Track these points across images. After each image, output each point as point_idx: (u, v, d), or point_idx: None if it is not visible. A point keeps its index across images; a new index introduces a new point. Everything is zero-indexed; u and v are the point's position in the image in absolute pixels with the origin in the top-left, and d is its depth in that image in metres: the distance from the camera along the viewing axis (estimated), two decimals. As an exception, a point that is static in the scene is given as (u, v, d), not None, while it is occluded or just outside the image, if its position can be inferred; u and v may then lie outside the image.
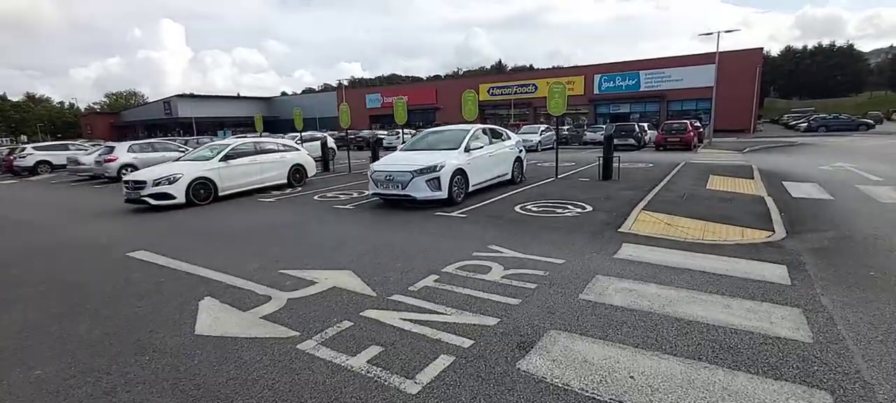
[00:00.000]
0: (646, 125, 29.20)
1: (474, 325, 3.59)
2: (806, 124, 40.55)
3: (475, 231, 6.74)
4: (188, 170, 10.72)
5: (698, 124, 29.74)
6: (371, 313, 3.88)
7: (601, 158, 11.86)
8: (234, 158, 11.69)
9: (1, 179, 21.55)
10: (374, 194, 9.16)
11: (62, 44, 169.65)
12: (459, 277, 4.71)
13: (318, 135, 25.69)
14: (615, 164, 12.05)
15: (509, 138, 11.46)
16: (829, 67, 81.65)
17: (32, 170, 23.16)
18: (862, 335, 3.27)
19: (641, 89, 44.28)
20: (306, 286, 4.63)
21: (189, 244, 6.81)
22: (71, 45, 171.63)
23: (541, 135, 27.52)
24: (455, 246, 5.93)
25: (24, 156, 24.06)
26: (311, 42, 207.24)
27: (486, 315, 3.77)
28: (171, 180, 10.28)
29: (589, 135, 30.56)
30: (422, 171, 8.56)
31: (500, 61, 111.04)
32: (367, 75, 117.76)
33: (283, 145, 13.88)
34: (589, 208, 8.05)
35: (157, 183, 10.17)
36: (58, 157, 23.67)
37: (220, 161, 11.34)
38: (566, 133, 33.59)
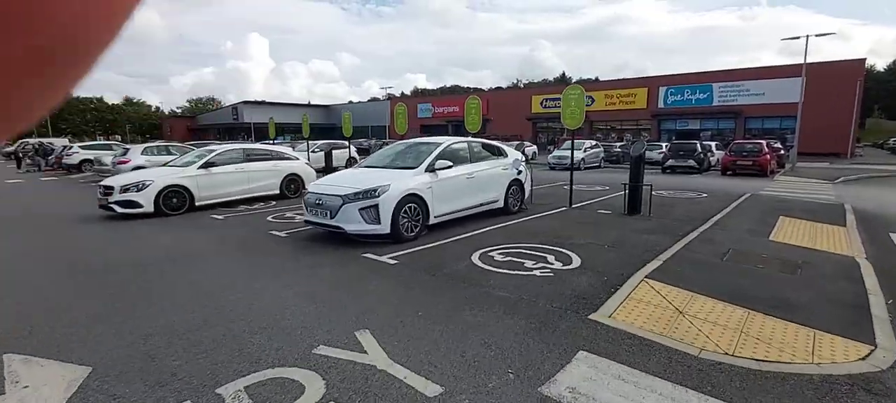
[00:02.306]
0: (713, 144, 25.15)
1: None
2: (922, 150, 33.66)
3: (377, 295, 4.52)
4: (159, 177, 9.91)
5: (779, 146, 25.23)
6: None
7: (627, 186, 9.11)
8: (217, 166, 10.77)
9: (50, 174, 22.77)
10: (306, 221, 7.18)
11: (166, 54, 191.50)
12: (222, 415, 2.55)
13: (323, 144, 24.45)
14: (656, 193, 9.26)
15: (505, 155, 9.07)
16: (952, 84, 69.51)
17: (78, 168, 23.88)
18: None
19: (714, 104, 39.37)
20: (-30, 403, 2.69)
21: (9, 282, 5.19)
22: (173, 56, 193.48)
23: (585, 151, 24.44)
24: (313, 324, 3.76)
25: (70, 155, 25.06)
26: (380, 54, 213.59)
27: None
28: (139, 187, 9.53)
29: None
30: (355, 197, 6.47)
31: (563, 74, 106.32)
32: (431, 86, 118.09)
33: (279, 153, 12.67)
34: (575, 262, 5.52)
35: (124, 189, 9.47)
36: (100, 157, 24.46)
37: (198, 168, 10.48)
38: (618, 150, 30.06)
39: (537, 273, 5.12)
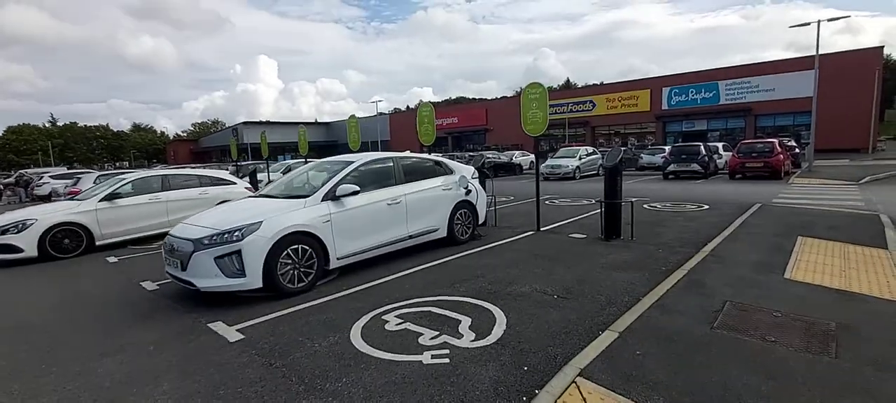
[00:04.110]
0: (719, 145, 23.14)
1: None
2: (951, 141, 31.05)
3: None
4: (45, 215, 8.37)
5: (793, 144, 23.15)
6: None
7: (602, 204, 7.29)
8: (124, 197, 9.29)
9: (27, 205, 21.52)
10: (166, 272, 5.49)
11: (178, 81, 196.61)
12: None
13: (287, 163, 22.94)
14: (650, 206, 7.43)
15: (450, 172, 7.34)
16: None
17: (46, 198, 22.69)
18: None
19: (721, 102, 37.25)
20: None
21: None
22: (185, 82, 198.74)
23: (580, 159, 22.55)
24: None
25: (40, 185, 23.95)
26: (386, 70, 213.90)
27: None
28: (19, 228, 8.02)
29: (646, 159, 25.00)
30: (209, 241, 4.78)
31: (568, 80, 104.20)
32: (437, 99, 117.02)
33: (210, 178, 11.07)
34: (496, 332, 3.75)
35: (2, 231, 7.95)
36: (57, 188, 23.22)
37: (99, 201, 8.96)
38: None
39: (427, 357, 3.36)
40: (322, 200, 5.46)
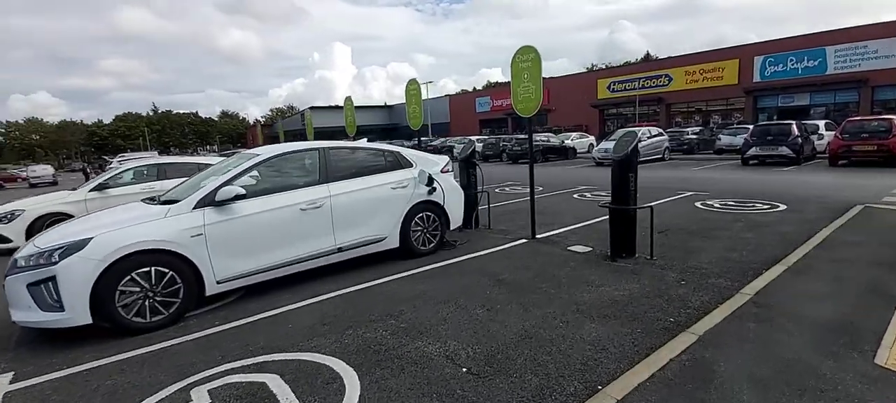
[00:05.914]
0: (821, 124, 19.05)
1: None
2: None
3: None
4: (33, 206, 8.36)
5: (923, 121, 18.38)
6: None
7: (610, 211, 5.30)
8: (114, 188, 8.93)
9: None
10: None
11: (264, 70, 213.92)
12: None
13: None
14: (705, 204, 5.38)
15: (408, 166, 5.75)
16: None
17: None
18: None
19: (828, 72, 31.32)
20: None
21: None
22: (270, 71, 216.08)
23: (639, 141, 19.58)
24: None
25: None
26: (455, 51, 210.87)
27: None
28: (7, 219, 8.13)
29: (725, 140, 21.36)
30: (25, 263, 3.68)
31: (647, 54, 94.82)
32: (505, 80, 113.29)
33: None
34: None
35: None
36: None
37: (90, 191, 8.76)
38: (693, 137, 24.46)
39: None
40: (195, 208, 4.16)
